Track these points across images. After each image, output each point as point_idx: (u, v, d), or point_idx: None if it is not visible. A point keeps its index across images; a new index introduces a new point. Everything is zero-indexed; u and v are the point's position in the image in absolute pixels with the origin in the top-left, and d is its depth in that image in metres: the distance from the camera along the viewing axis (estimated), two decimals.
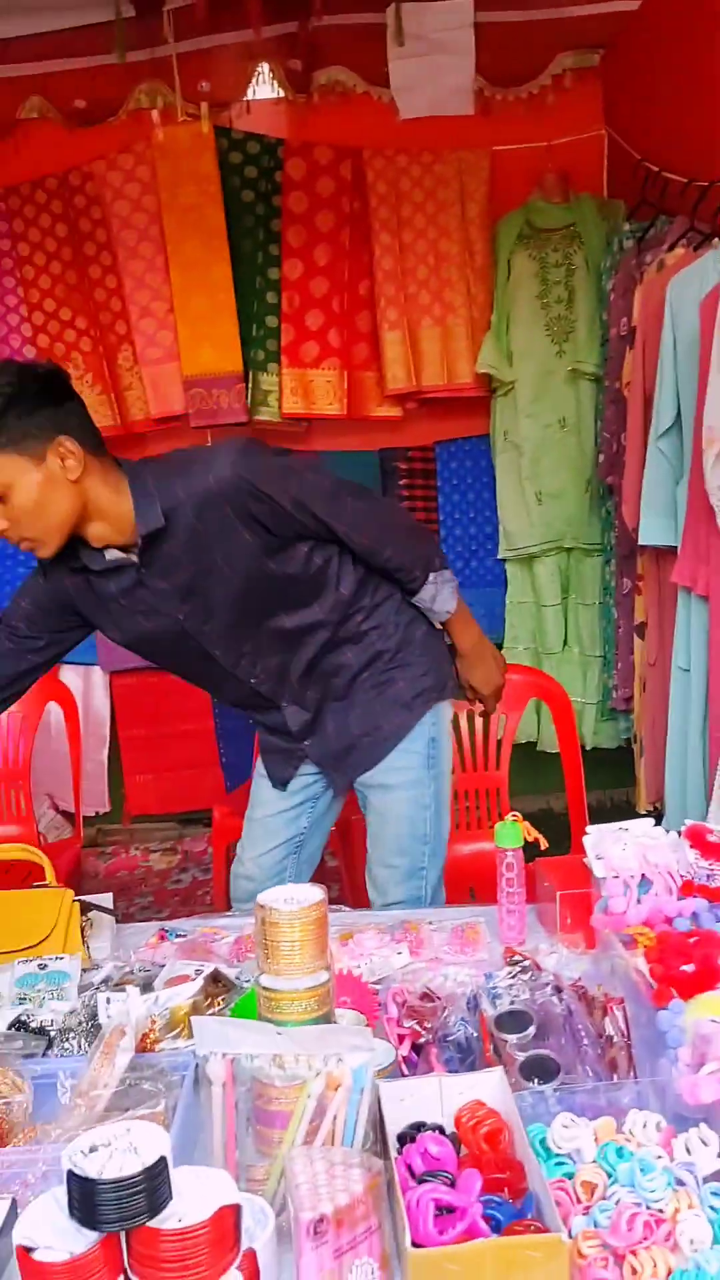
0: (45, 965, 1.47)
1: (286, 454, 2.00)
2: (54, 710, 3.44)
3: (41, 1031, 1.38)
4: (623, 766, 3.59)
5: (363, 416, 3.88)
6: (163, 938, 1.78)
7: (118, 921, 1.79)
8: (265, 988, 1.21)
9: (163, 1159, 1.00)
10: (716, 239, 2.66)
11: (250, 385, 3.82)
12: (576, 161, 3.72)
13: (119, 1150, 1.01)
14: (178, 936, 1.78)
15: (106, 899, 1.79)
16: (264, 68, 3.75)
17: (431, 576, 2.01)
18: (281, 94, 3.77)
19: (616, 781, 3.77)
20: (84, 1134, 1.03)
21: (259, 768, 2.24)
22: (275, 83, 3.76)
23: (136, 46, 3.60)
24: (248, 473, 1.77)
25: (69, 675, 3.92)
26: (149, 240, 3.74)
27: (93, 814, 4.14)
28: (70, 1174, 0.99)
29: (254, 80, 3.78)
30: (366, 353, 3.83)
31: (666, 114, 3.27)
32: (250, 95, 3.79)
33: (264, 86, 3.79)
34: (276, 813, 2.20)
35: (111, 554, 1.82)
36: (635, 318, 3.05)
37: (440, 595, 2.03)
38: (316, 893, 1.24)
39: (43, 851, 1.90)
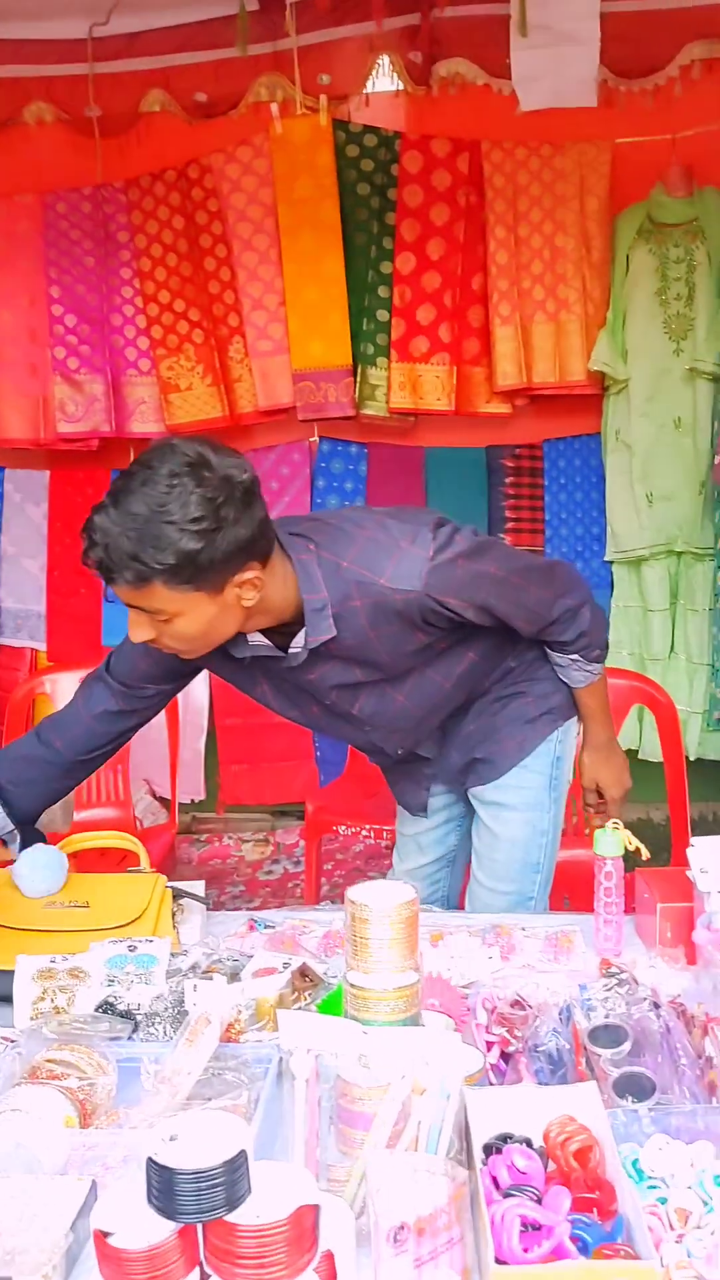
0: (135, 947, 1.47)
1: (473, 535, 1.71)
2: None
3: (128, 1015, 1.38)
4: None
5: (470, 413, 3.83)
6: (251, 928, 1.77)
7: (208, 909, 1.79)
8: (353, 985, 1.18)
9: (243, 1152, 0.99)
10: None
11: (359, 379, 3.81)
12: (702, 155, 3.60)
13: (200, 1140, 1.00)
14: (266, 928, 1.77)
15: (198, 886, 1.79)
16: (384, 60, 3.72)
17: (581, 656, 1.87)
18: (401, 86, 3.73)
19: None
20: (165, 1122, 1.02)
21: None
22: (395, 75, 3.73)
23: (258, 40, 3.61)
24: (438, 591, 1.63)
25: None
26: (263, 233, 3.76)
27: (188, 801, 4.18)
28: (150, 1162, 0.98)
29: (374, 73, 3.75)
30: (477, 348, 3.78)
31: None
32: (370, 88, 3.77)
33: (384, 79, 3.76)
34: (425, 830, 2.12)
35: (255, 640, 1.68)
36: None
37: (578, 675, 1.91)
38: (409, 891, 1.21)
39: (137, 837, 1.91)
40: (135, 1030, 1.37)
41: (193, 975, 1.43)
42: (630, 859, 1.72)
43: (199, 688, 4.20)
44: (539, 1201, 1.05)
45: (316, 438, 4.03)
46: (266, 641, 1.69)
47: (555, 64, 3.60)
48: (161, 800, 4.14)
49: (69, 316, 3.89)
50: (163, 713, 3.39)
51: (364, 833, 3.26)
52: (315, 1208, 0.98)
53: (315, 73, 3.72)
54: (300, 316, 3.74)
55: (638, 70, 3.59)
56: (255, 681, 1.82)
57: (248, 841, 4.36)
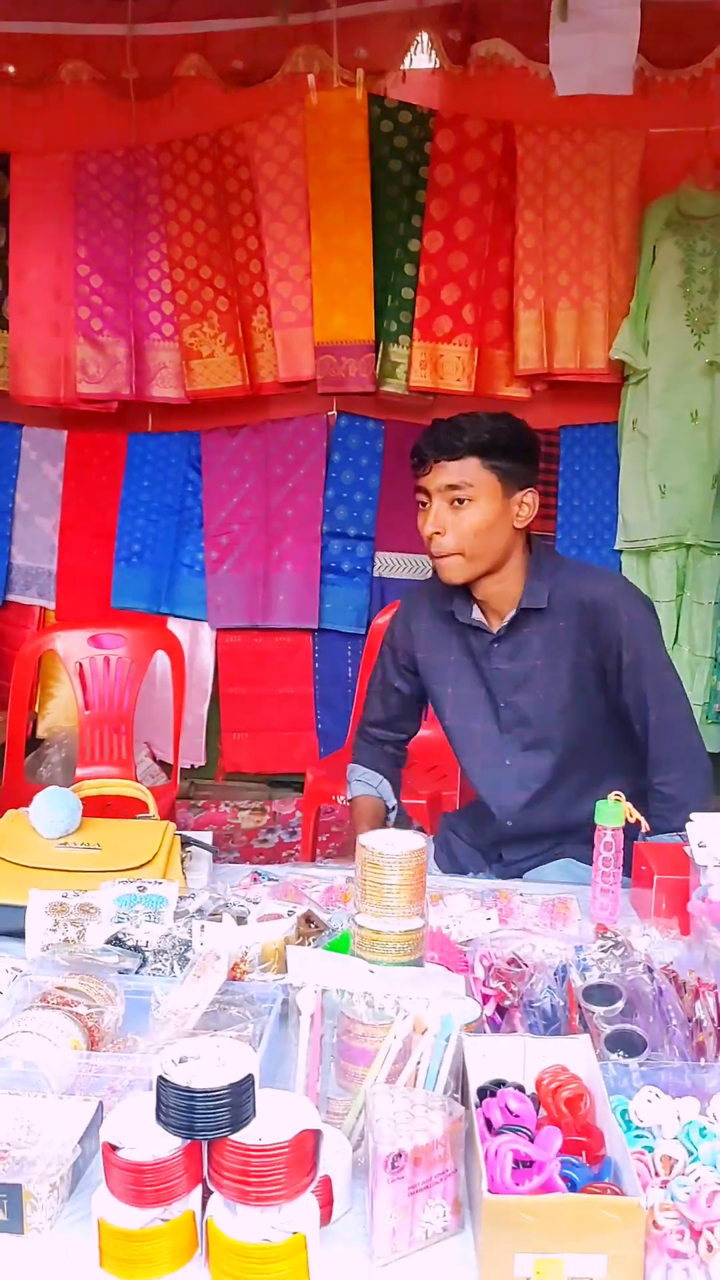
0: (144, 888, 1.51)
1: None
2: (160, 661, 3.51)
3: (137, 950, 1.42)
4: None
5: (490, 395, 3.84)
6: (255, 880, 1.81)
7: (215, 858, 1.83)
8: (362, 926, 1.22)
9: (250, 1076, 1.02)
10: None
11: (380, 355, 3.82)
12: None
13: (208, 1063, 1.04)
14: (270, 880, 1.81)
15: (206, 836, 1.83)
16: (423, 37, 3.72)
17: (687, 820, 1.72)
18: (438, 64, 3.73)
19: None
20: (176, 1045, 1.06)
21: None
22: (433, 53, 3.73)
23: (298, 10, 3.62)
24: (630, 609, 1.94)
25: (176, 628, 4.00)
26: (293, 204, 3.76)
27: (188, 766, 4.22)
28: (160, 1080, 1.02)
29: (412, 49, 3.75)
30: (499, 330, 3.79)
31: None
32: (407, 64, 3.77)
33: (421, 56, 3.76)
34: None
35: (476, 614, 2.00)
36: None
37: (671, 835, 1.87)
38: (419, 840, 1.25)
39: None
40: (143, 965, 1.41)
41: (200, 917, 1.46)
42: (630, 833, 1.76)
43: (205, 653, 4.23)
44: (531, 1140, 1.09)
45: (335, 412, 4.05)
46: (482, 617, 2.00)
47: (593, 50, 3.59)
48: (162, 764, 4.17)
49: (95, 277, 3.91)
50: (169, 676, 3.46)
51: None
52: (316, 1133, 1.02)
53: (353, 46, 3.72)
54: (325, 289, 3.75)
55: (675, 61, 3.60)
56: (456, 677, 2.06)
57: (244, 810, 4.40)
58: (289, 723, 4.27)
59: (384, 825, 2.14)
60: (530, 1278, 0.98)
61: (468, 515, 1.88)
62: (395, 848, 1.22)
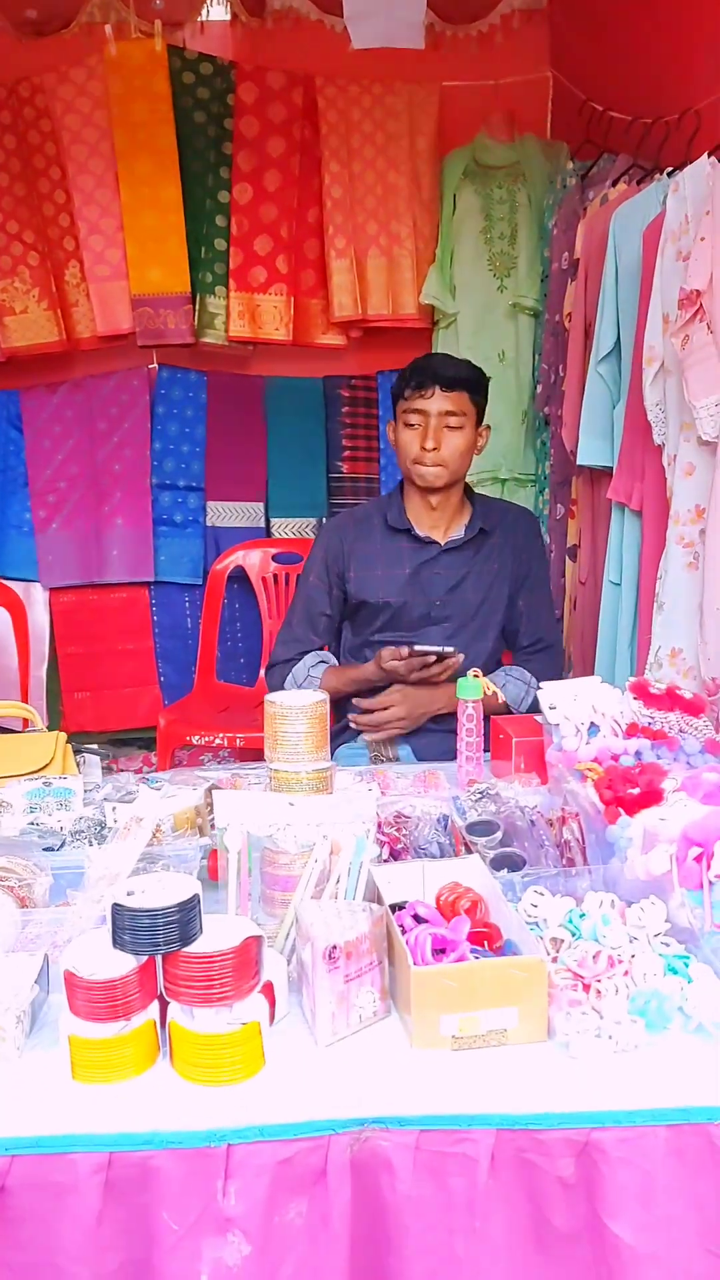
0: (50, 783, 1.58)
1: None
2: None
3: (55, 833, 1.49)
4: None
5: (308, 343, 3.97)
6: (142, 780, 1.89)
7: (105, 762, 1.90)
8: (278, 770, 1.34)
9: (195, 896, 1.14)
10: (659, 173, 2.81)
11: (197, 307, 3.88)
12: (522, 102, 3.84)
13: (154, 892, 1.14)
14: (155, 783, 1.90)
15: (93, 746, 1.90)
16: None
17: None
18: (236, 16, 3.81)
19: None
20: (122, 882, 1.15)
21: None
22: (229, 5, 3.80)
23: None
24: (536, 528, 2.58)
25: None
26: (99, 156, 3.75)
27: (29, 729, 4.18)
28: (115, 906, 1.12)
29: (208, 1, 3.82)
30: (313, 280, 3.91)
31: (610, 57, 3.41)
32: (204, 16, 3.83)
33: (218, 7, 3.83)
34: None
35: (423, 532, 2.39)
36: (578, 250, 3.21)
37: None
38: (320, 694, 1.37)
39: None
40: (62, 846, 1.48)
41: (113, 799, 1.55)
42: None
43: (39, 614, 4.20)
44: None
45: (155, 365, 4.08)
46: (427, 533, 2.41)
47: (384, 4, 3.75)
48: (3, 730, 4.13)
49: None
50: (11, 638, 3.44)
51: (217, 740, 3.37)
52: (258, 939, 1.14)
53: None
54: (138, 242, 3.77)
55: (463, 17, 3.80)
56: (392, 579, 2.40)
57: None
58: (131, 678, 4.29)
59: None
60: (455, 1034, 1.13)
61: (458, 437, 2.31)
62: (300, 700, 1.34)
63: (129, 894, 1.13)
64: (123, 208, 3.75)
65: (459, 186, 3.81)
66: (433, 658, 2.12)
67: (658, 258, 2.60)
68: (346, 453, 4.15)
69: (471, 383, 2.33)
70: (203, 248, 3.85)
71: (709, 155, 2.42)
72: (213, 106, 3.80)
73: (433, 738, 2.30)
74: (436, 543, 2.40)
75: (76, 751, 1.82)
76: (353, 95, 3.79)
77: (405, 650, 2.14)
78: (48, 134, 3.77)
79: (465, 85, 3.83)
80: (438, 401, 2.28)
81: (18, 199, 3.80)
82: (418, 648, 2.13)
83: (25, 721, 1.88)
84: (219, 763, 4.21)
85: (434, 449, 2.29)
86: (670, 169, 2.71)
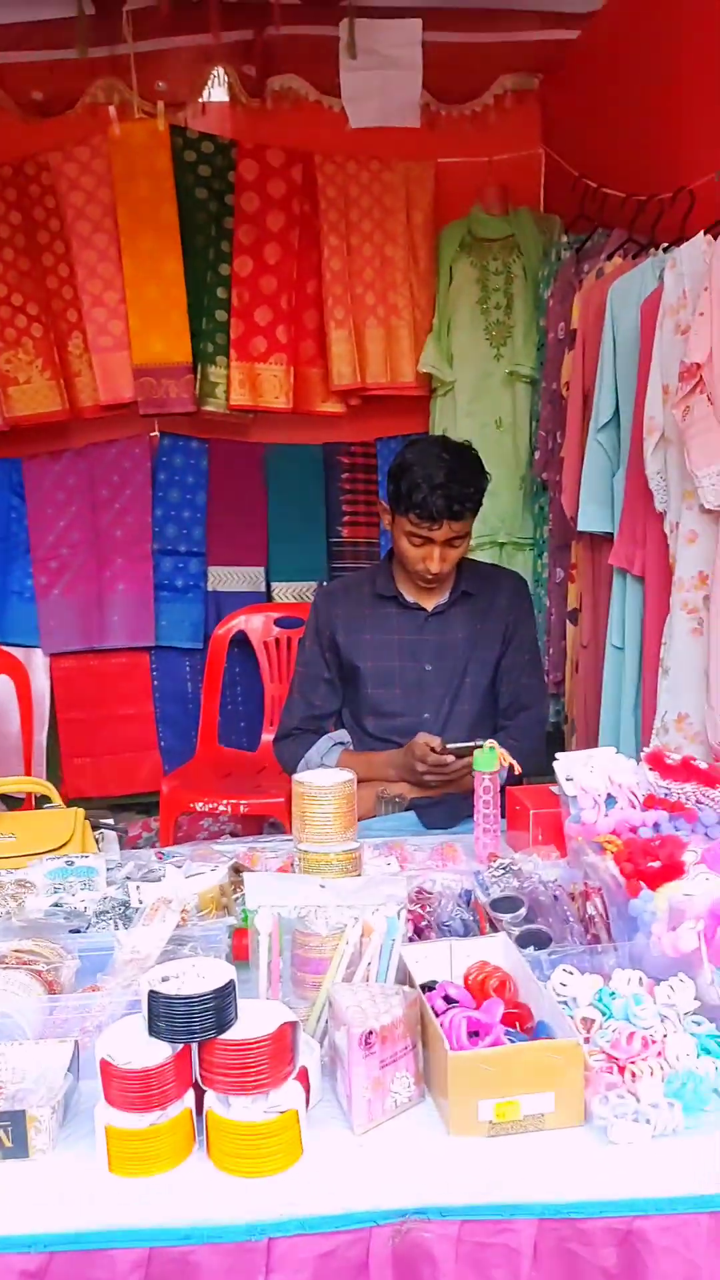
0: (72, 862, 1.57)
1: None
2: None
3: (80, 914, 1.48)
4: (555, 747, 3.77)
5: (308, 411, 4.03)
6: (160, 858, 1.89)
7: (124, 838, 1.90)
8: (306, 852, 1.34)
9: (231, 982, 1.13)
10: (653, 248, 2.89)
11: (199, 376, 3.94)
12: (516, 177, 3.95)
13: (190, 978, 1.14)
14: (173, 857, 1.89)
15: (109, 821, 1.90)
16: (219, 71, 3.90)
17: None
18: (236, 98, 3.91)
19: (548, 761, 3.97)
20: (157, 968, 1.15)
21: None
22: (230, 86, 3.91)
23: (96, 43, 3.72)
24: (525, 594, 2.59)
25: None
26: (103, 231, 3.84)
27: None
28: (151, 994, 1.11)
29: (210, 83, 3.93)
30: (313, 350, 3.98)
31: (602, 135, 3.52)
32: (206, 97, 3.94)
33: (219, 89, 3.94)
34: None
35: (411, 599, 2.44)
36: (575, 321, 3.28)
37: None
38: (347, 773, 1.38)
39: None
40: (88, 927, 1.47)
41: (132, 880, 1.54)
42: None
43: (40, 680, 4.20)
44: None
45: (157, 433, 4.13)
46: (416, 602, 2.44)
47: (381, 86, 3.88)
48: (3, 799, 4.11)
49: None
50: (14, 704, 3.44)
51: (221, 807, 3.36)
52: (294, 1025, 1.14)
53: (153, 79, 3.86)
54: (141, 313, 3.84)
55: (457, 96, 3.92)
56: (384, 647, 2.43)
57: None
58: (131, 743, 4.28)
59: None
60: (492, 1119, 1.12)
61: (458, 551, 2.36)
62: (328, 780, 1.35)
63: (164, 979, 1.12)
64: (125, 281, 3.83)
65: (455, 258, 3.90)
66: (456, 755, 2.13)
67: (656, 331, 2.66)
68: (346, 517, 4.20)
69: (476, 506, 2.34)
70: (204, 319, 3.93)
71: (705, 233, 2.48)
72: (214, 183, 3.89)
73: (440, 805, 2.31)
74: (424, 609, 2.44)
75: (95, 827, 1.82)
76: (350, 171, 3.89)
77: (439, 742, 2.15)
78: (52, 210, 3.86)
79: (460, 162, 3.94)
80: (444, 531, 2.29)
81: (22, 273, 3.87)
82: (450, 745, 2.13)
83: (30, 795, 1.87)
84: (220, 827, 4.19)
85: (438, 571, 2.33)
86: (666, 245, 2.79)
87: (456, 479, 2.27)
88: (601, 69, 3.46)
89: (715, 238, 2.43)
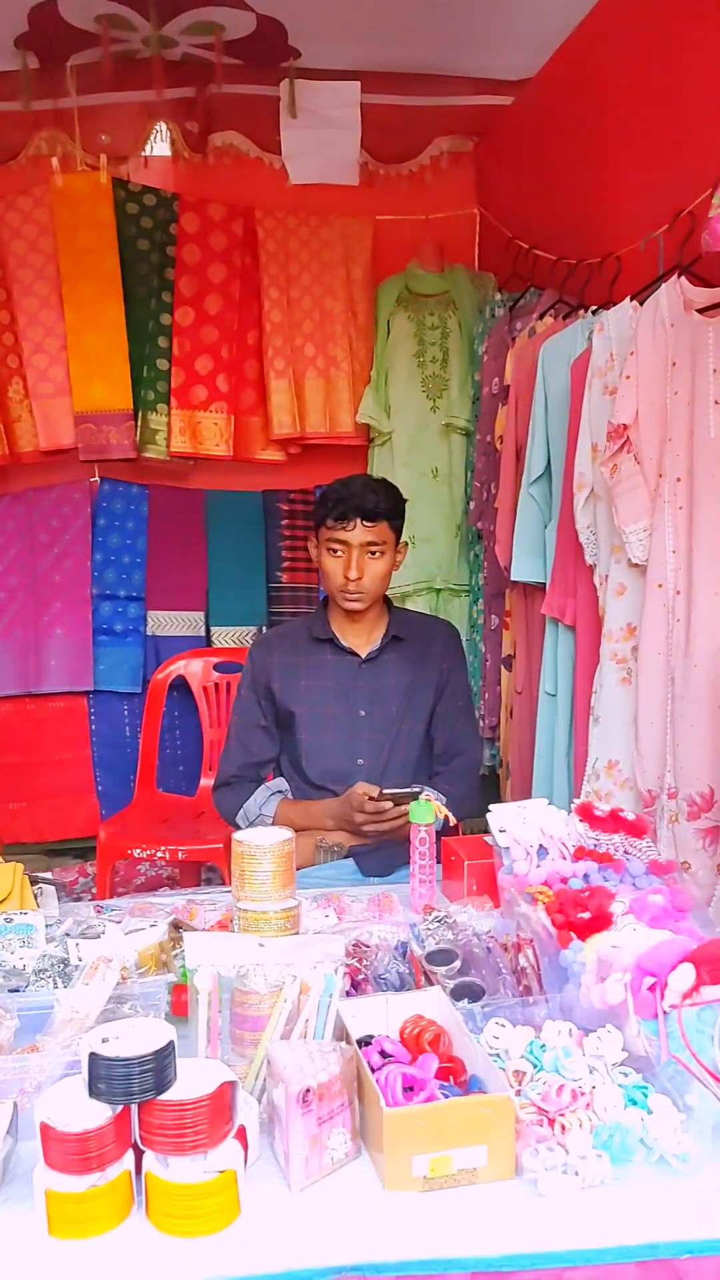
0: (11, 919, 1.57)
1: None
2: None
3: (18, 972, 1.49)
4: (489, 791, 3.84)
5: (248, 459, 4.09)
6: (99, 912, 1.90)
7: (60, 892, 1.90)
8: (245, 910, 1.36)
9: (171, 1043, 1.15)
10: (583, 309, 2.99)
11: (139, 423, 3.97)
12: (451, 235, 4.07)
13: (129, 1039, 1.15)
14: (111, 912, 1.90)
15: (48, 875, 1.90)
16: (162, 126, 3.97)
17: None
18: (178, 152, 3.98)
19: (483, 805, 4.02)
20: (96, 1030, 1.17)
21: None
22: (173, 141, 3.98)
23: (40, 96, 3.77)
24: (457, 641, 2.61)
25: None
26: (44, 279, 3.87)
27: None
28: (92, 1055, 1.12)
29: (152, 137, 3.99)
30: (253, 398, 4.04)
31: (534, 198, 3.64)
32: (148, 151, 4.00)
33: (162, 144, 4.01)
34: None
35: (346, 643, 2.47)
36: (508, 377, 3.38)
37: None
38: (286, 831, 1.41)
39: None
40: (26, 987, 1.48)
41: (71, 937, 1.55)
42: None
43: None
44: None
45: (97, 478, 4.15)
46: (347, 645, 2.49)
47: (320, 144, 3.98)
48: None
49: None
50: None
51: (160, 853, 3.36)
52: (233, 1084, 1.16)
53: (95, 132, 3.92)
54: (82, 361, 3.87)
55: (394, 156, 4.03)
56: (317, 691, 2.47)
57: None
58: (67, 788, 4.25)
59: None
60: (427, 1174, 1.15)
61: (379, 564, 2.39)
62: (266, 839, 1.38)
63: (104, 1040, 1.14)
64: (67, 328, 3.86)
65: (393, 312, 3.99)
66: (392, 802, 2.16)
67: (585, 391, 2.75)
68: (286, 563, 4.24)
69: (391, 511, 2.39)
70: (145, 366, 3.97)
71: (631, 299, 2.59)
72: (156, 235, 3.95)
73: (377, 852, 2.34)
74: (358, 655, 2.48)
75: (33, 882, 1.82)
76: (290, 226, 3.98)
77: (377, 791, 2.17)
78: None
79: (398, 219, 4.05)
80: (359, 533, 2.34)
81: None
82: (388, 791, 2.15)
83: None
84: (158, 871, 4.17)
85: (357, 579, 2.36)
86: (594, 308, 2.90)
87: (369, 487, 2.38)
88: (534, 134, 3.59)
89: (641, 304, 2.53)
